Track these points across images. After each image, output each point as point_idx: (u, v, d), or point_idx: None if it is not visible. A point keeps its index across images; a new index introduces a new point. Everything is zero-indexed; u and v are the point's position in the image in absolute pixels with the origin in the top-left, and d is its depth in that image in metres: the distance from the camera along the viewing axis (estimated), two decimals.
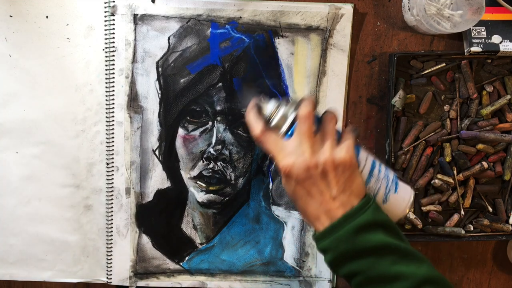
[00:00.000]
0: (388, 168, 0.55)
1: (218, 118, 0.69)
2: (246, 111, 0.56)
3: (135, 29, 0.68)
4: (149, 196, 0.71)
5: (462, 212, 0.71)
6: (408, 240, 0.53)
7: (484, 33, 0.67)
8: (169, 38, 0.68)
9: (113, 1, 0.67)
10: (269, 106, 0.55)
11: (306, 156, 0.50)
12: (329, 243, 0.49)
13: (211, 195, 0.71)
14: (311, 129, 0.51)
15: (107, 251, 0.72)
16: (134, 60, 0.68)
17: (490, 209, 0.72)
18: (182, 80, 0.69)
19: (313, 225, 0.51)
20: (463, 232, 0.71)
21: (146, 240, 0.72)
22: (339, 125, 0.70)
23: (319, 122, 0.54)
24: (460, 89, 0.70)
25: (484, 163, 0.70)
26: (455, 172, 0.70)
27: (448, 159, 0.70)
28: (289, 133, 0.53)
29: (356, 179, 0.51)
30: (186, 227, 0.72)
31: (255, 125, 0.54)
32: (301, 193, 0.51)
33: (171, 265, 0.73)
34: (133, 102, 0.69)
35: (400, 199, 0.54)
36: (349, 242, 0.48)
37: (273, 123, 0.54)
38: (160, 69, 0.69)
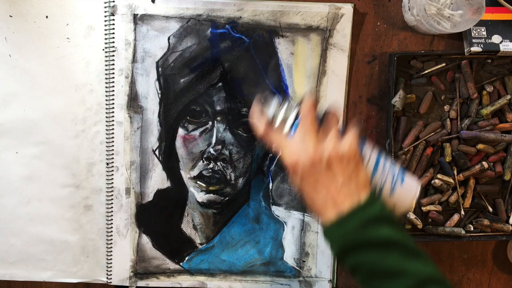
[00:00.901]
0: (393, 162, 0.55)
1: (218, 118, 0.69)
2: (249, 111, 0.57)
3: (135, 29, 0.68)
4: (149, 196, 0.71)
5: (462, 212, 0.71)
6: None
7: (484, 33, 0.67)
8: (169, 38, 0.68)
9: (113, 1, 0.67)
10: (272, 105, 0.55)
11: (310, 151, 0.50)
12: (337, 234, 0.49)
13: (211, 195, 0.71)
14: (313, 124, 0.52)
15: (107, 251, 0.72)
16: (134, 60, 0.68)
17: (490, 209, 0.72)
18: (182, 80, 0.69)
19: (321, 217, 0.51)
20: (463, 232, 0.71)
21: (146, 240, 0.72)
22: (339, 125, 0.70)
23: (321, 121, 0.54)
24: (460, 89, 0.70)
25: (484, 163, 0.70)
26: (455, 172, 0.70)
27: (448, 159, 0.70)
28: (293, 130, 0.53)
29: (361, 172, 0.51)
30: (186, 227, 0.72)
31: (259, 125, 0.55)
32: (308, 187, 0.51)
33: (171, 265, 0.73)
34: (133, 102, 0.69)
35: (406, 192, 0.54)
36: (357, 234, 0.48)
37: (277, 121, 0.54)
38: (160, 69, 0.69)
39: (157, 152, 0.70)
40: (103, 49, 0.68)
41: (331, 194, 0.50)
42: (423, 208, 0.71)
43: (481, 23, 0.66)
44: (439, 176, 0.70)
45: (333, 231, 0.50)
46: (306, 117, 0.52)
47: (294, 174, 0.51)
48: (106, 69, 0.68)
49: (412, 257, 0.48)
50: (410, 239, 0.50)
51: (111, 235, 0.71)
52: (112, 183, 0.71)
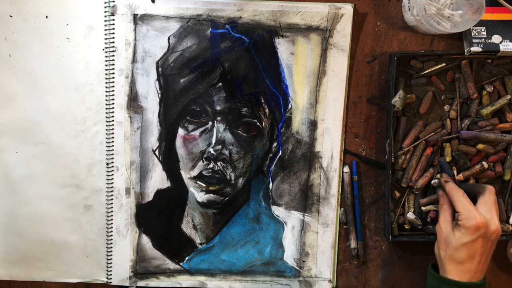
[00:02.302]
0: None
1: (218, 118, 0.69)
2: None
3: (135, 29, 0.68)
4: (149, 196, 0.71)
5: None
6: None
7: (484, 33, 0.67)
8: (169, 38, 0.68)
9: (113, 1, 0.67)
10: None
11: (497, 222, 0.61)
12: None
13: (211, 195, 0.71)
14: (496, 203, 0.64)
15: (107, 251, 0.72)
16: (134, 60, 0.68)
17: None
18: (182, 80, 0.69)
19: (457, 276, 0.61)
20: None
21: (146, 240, 0.72)
22: (339, 125, 0.70)
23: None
24: (460, 89, 0.70)
25: (484, 163, 0.70)
26: (455, 172, 0.70)
27: (448, 159, 0.70)
28: None
29: None
30: (186, 227, 0.72)
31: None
32: (474, 250, 0.61)
33: (171, 265, 0.73)
34: (133, 102, 0.69)
35: None
36: None
37: None
38: (160, 69, 0.69)
39: (157, 152, 0.70)
40: (103, 49, 0.68)
41: (478, 263, 0.61)
42: (423, 208, 0.71)
43: (481, 23, 0.66)
44: (438, 177, 0.70)
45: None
46: (491, 193, 0.64)
47: (473, 234, 0.60)
48: (106, 69, 0.68)
49: None
50: None
51: (111, 235, 0.71)
52: (112, 183, 0.71)
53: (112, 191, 0.71)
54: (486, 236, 0.60)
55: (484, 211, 0.61)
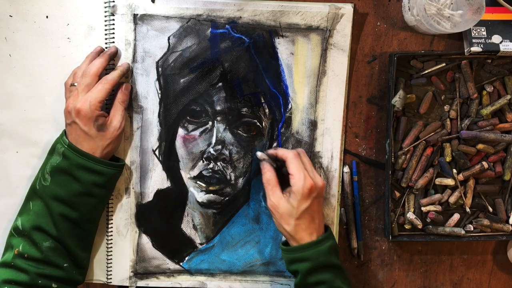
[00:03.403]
0: None
1: (218, 118, 0.69)
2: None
3: (135, 29, 0.68)
4: (149, 196, 0.71)
5: (468, 210, 0.71)
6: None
7: (484, 33, 0.67)
8: (169, 38, 0.68)
9: (113, 1, 0.67)
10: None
11: (321, 180, 0.64)
12: (311, 254, 0.61)
13: (211, 195, 0.71)
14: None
15: (107, 251, 0.72)
16: (134, 60, 0.68)
17: (490, 209, 0.72)
18: (182, 80, 0.69)
19: (303, 238, 0.62)
20: (463, 232, 0.71)
21: (146, 240, 0.72)
22: (339, 125, 0.70)
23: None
24: (460, 89, 0.70)
25: (484, 163, 0.70)
26: (455, 172, 0.70)
27: (448, 159, 0.70)
28: None
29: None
30: (186, 227, 0.72)
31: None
32: (311, 210, 0.62)
33: (171, 265, 0.73)
34: (133, 102, 0.69)
35: None
36: (325, 256, 0.61)
37: None
38: (160, 69, 0.69)
39: (157, 152, 0.70)
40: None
41: (318, 220, 0.63)
42: (423, 208, 0.71)
43: (481, 23, 0.66)
44: (437, 181, 0.70)
45: (310, 250, 0.61)
46: (295, 156, 0.64)
47: (308, 198, 0.61)
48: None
49: (347, 281, 0.64)
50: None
51: (111, 235, 0.71)
52: None
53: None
54: (318, 195, 0.63)
55: (305, 173, 0.62)
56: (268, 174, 0.64)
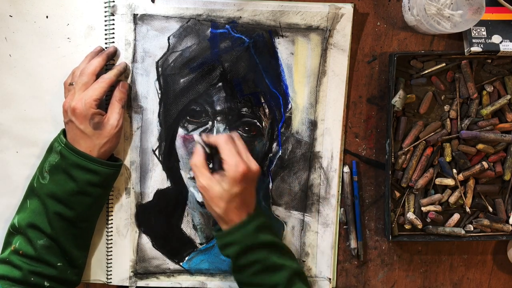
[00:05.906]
0: None
1: (218, 118, 0.69)
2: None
3: (135, 29, 0.68)
4: (149, 196, 0.71)
5: (468, 210, 0.71)
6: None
7: (484, 33, 0.67)
8: (169, 38, 0.68)
9: (113, 1, 0.67)
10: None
11: (256, 165, 0.63)
12: (238, 237, 0.61)
13: None
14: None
15: (107, 251, 0.72)
16: (134, 60, 0.68)
17: (490, 209, 0.72)
18: (182, 80, 0.69)
19: (230, 222, 0.62)
20: (463, 232, 0.71)
21: (146, 240, 0.72)
22: (339, 125, 0.70)
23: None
24: (460, 89, 0.70)
25: (484, 163, 0.70)
26: (455, 172, 0.70)
27: (448, 159, 0.70)
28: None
29: (253, 187, 0.65)
30: (186, 227, 0.72)
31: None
32: (244, 195, 0.62)
33: (171, 265, 0.73)
34: (133, 102, 0.69)
35: None
36: (252, 237, 0.61)
37: None
38: (160, 69, 0.69)
39: (157, 152, 0.70)
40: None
41: (250, 203, 0.63)
42: (423, 208, 0.71)
43: (481, 23, 0.66)
44: (437, 181, 0.70)
45: (235, 233, 0.62)
46: (228, 140, 0.63)
47: (241, 182, 0.61)
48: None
49: (286, 255, 0.64)
50: (282, 242, 0.66)
51: (111, 235, 0.71)
52: None
53: (112, 191, 0.71)
54: (251, 179, 0.63)
55: (238, 158, 0.61)
56: (195, 157, 0.63)
